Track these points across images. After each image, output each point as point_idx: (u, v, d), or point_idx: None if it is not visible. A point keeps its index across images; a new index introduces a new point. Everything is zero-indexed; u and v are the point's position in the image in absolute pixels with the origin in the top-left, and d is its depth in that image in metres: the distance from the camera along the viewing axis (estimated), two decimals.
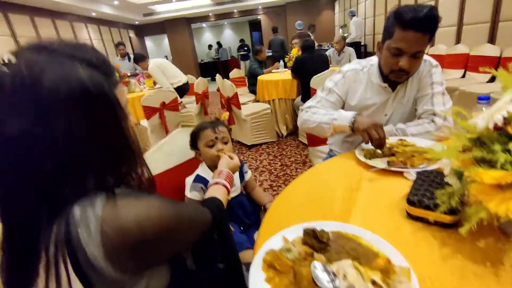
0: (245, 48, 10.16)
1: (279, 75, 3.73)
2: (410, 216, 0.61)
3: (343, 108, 1.17)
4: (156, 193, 0.60)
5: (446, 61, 3.80)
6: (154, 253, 0.46)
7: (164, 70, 3.63)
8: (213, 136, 1.01)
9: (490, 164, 0.45)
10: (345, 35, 6.79)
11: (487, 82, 3.03)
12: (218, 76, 3.85)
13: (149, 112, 3.03)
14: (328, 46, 7.81)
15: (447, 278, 0.47)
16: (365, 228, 0.57)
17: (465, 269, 0.48)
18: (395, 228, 0.60)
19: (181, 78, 3.78)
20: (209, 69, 11.68)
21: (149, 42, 11.84)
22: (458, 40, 3.66)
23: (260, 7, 9.40)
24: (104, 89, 0.45)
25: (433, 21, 0.89)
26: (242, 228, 1.09)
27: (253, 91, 4.35)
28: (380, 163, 0.85)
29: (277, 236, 0.58)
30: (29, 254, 0.43)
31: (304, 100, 3.03)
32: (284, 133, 3.53)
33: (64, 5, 5.42)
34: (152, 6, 8.23)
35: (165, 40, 11.65)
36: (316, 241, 0.53)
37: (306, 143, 3.05)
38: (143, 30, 10.06)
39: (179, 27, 9.69)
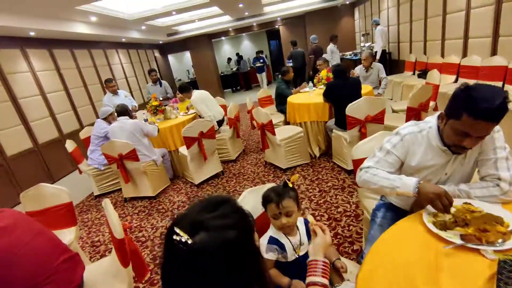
0: (261, 60, 10.00)
1: (309, 97, 3.79)
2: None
3: (401, 166, 1.23)
4: None
5: (481, 73, 3.71)
6: None
7: (206, 102, 3.82)
8: (277, 211, 1.11)
9: None
10: (369, 44, 6.74)
11: None
12: (248, 99, 3.98)
13: (189, 142, 3.20)
14: (350, 55, 7.77)
15: None
16: None
17: None
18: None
19: (219, 110, 3.97)
20: (229, 81, 11.95)
21: (171, 58, 12.31)
22: (494, 52, 3.56)
23: (279, 19, 9.52)
24: (244, 242, 0.57)
25: (505, 111, 0.92)
26: None
27: (281, 110, 4.43)
28: (454, 236, 0.91)
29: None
30: None
31: (338, 124, 3.08)
32: (317, 154, 3.59)
33: (98, 36, 5.81)
34: (176, 27, 8.58)
35: (186, 55, 12.07)
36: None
37: (343, 166, 3.10)
38: (166, 49, 10.48)
39: (201, 43, 10.00)
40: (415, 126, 1.20)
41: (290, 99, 3.92)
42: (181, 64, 13.26)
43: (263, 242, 1.16)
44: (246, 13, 8.34)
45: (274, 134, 3.24)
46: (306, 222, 1.26)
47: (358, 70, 4.27)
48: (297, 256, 1.16)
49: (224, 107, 4.45)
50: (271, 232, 1.18)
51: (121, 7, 5.45)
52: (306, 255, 1.18)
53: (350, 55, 7.93)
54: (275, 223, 1.14)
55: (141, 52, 8.62)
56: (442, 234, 0.93)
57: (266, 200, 1.16)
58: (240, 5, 6.87)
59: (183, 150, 3.48)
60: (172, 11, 6.02)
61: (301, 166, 3.42)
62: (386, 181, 1.13)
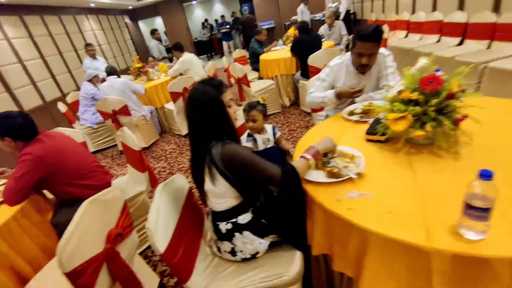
0: (227, 26, 9.37)
1: (279, 54, 4.25)
2: (367, 140, 1.28)
3: (332, 88, 1.82)
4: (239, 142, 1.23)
5: (424, 27, 4.32)
6: (240, 170, 1.04)
7: (191, 64, 4.16)
8: (247, 118, 1.70)
9: (393, 110, 1.10)
10: (336, 4, 7.13)
11: (457, 45, 3.59)
12: (225, 59, 4.37)
13: (174, 96, 3.62)
14: (320, 16, 8.13)
15: (378, 159, 1.14)
16: (347, 146, 1.23)
17: (388, 157, 1.15)
18: (361, 145, 1.26)
19: (203, 74, 4.32)
20: (204, 47, 11.90)
21: (142, 24, 11.93)
22: (434, 8, 4.14)
23: None
24: (217, 97, 1.08)
25: (377, 35, 1.50)
26: None
27: (255, 68, 4.87)
28: (356, 117, 1.50)
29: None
30: (201, 164, 1.08)
31: (303, 75, 3.60)
32: (288, 104, 4.14)
33: (66, 0, 5.72)
34: None
35: (157, 21, 11.74)
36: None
37: (308, 111, 3.68)
38: (137, 14, 10.18)
39: (172, 8, 9.82)
40: (340, 59, 1.77)
41: (263, 56, 4.36)
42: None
43: (243, 136, 1.73)
44: None
45: (249, 86, 3.72)
46: (273, 128, 1.83)
47: (322, 29, 4.73)
48: (265, 147, 1.75)
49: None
50: (248, 131, 1.75)
51: None
52: (272, 148, 1.77)
53: (319, 16, 8.27)
54: (247, 126, 1.70)
55: (111, 19, 8.41)
56: (350, 117, 1.52)
57: (243, 110, 1.71)
58: None
59: (169, 105, 3.90)
60: None
61: (274, 115, 3.98)
62: (320, 98, 1.72)
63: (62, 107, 3.84)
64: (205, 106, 1.06)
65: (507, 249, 0.67)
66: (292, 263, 1.09)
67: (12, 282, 1.27)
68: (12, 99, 4.46)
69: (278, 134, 1.84)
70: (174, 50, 4.30)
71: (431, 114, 1.01)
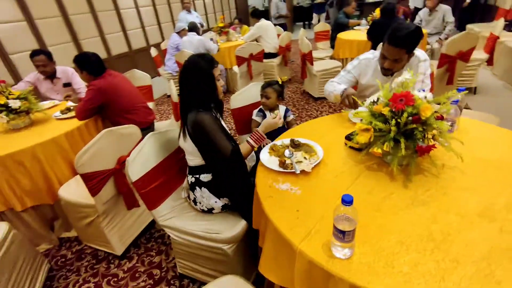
0: None
1: (358, 35, 3.92)
2: (346, 144, 1.26)
3: (356, 84, 1.71)
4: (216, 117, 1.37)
5: None
6: (201, 139, 1.22)
7: (265, 32, 4.28)
8: (262, 93, 1.79)
9: (361, 121, 1.07)
10: None
11: None
12: (302, 31, 4.28)
13: (240, 60, 3.85)
14: None
15: (337, 164, 1.14)
16: (322, 144, 1.26)
17: (348, 164, 1.14)
18: (339, 148, 1.26)
19: (276, 43, 4.37)
20: (303, 14, 11.48)
21: None
22: None
23: None
24: (208, 69, 1.23)
25: (407, 41, 1.32)
26: None
27: (333, 46, 4.63)
28: (357, 119, 1.45)
29: (279, 141, 1.33)
30: (183, 124, 1.29)
31: None
32: None
33: None
34: None
35: None
36: (293, 144, 1.26)
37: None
38: None
39: None
40: (371, 54, 1.63)
41: (341, 35, 4.09)
42: None
43: (254, 112, 1.87)
44: None
45: (312, 64, 3.64)
46: (287, 110, 1.89)
47: (421, 13, 4.05)
48: None
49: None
50: (262, 107, 1.87)
51: None
52: (279, 128, 1.86)
53: None
54: (261, 101, 1.81)
55: None
56: (352, 118, 1.47)
57: (262, 86, 1.82)
58: None
59: (235, 68, 4.18)
60: None
61: (321, 99, 3.83)
62: (332, 88, 1.66)
63: (153, 52, 4.56)
64: (197, 76, 1.24)
65: (352, 273, 0.70)
66: (232, 227, 1.27)
67: (43, 185, 1.81)
68: (124, 38, 5.49)
69: (291, 117, 1.90)
70: (252, 16, 4.43)
71: (391, 134, 0.96)
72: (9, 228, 1.43)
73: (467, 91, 1.25)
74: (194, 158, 1.31)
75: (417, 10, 5.77)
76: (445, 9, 3.82)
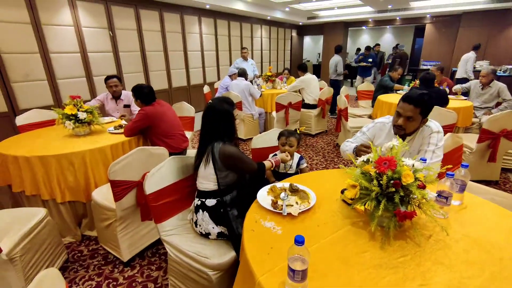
0: (370, 60, 7.28)
1: (398, 98, 3.95)
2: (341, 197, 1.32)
3: None
4: (238, 147, 1.56)
5: None
6: (233, 164, 1.44)
7: (307, 85, 4.61)
8: (284, 141, 1.92)
9: (351, 177, 1.14)
10: None
11: None
12: (343, 88, 4.48)
13: (279, 107, 4.13)
14: (505, 71, 6.58)
15: (323, 214, 1.20)
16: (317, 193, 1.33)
17: (335, 217, 1.19)
18: (333, 200, 1.32)
19: (316, 95, 4.65)
20: (353, 72, 11.85)
21: (308, 39, 13.24)
22: None
23: (429, 15, 8.67)
24: (230, 111, 1.46)
25: (421, 101, 1.45)
26: None
27: (374, 105, 4.70)
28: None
29: (281, 183, 1.43)
30: (203, 152, 1.48)
31: None
32: None
33: (249, 12, 7.28)
34: (316, 12, 9.29)
35: (321, 40, 12.65)
36: (291, 188, 1.36)
37: None
38: (304, 30, 11.39)
39: (336, 30, 10.36)
40: (387, 119, 1.71)
41: (381, 96, 4.18)
42: (316, 46, 13.98)
43: (270, 155, 2.01)
44: (390, 6, 8.10)
45: (346, 120, 3.74)
46: (301, 158, 2.00)
47: (472, 84, 3.97)
48: (284, 171, 1.95)
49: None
50: (278, 152, 2.00)
51: None
52: (291, 173, 1.95)
53: (502, 71, 6.66)
54: (281, 148, 1.95)
55: (280, 30, 9.88)
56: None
57: (281, 134, 1.98)
58: None
59: (273, 113, 4.46)
60: None
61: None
62: (345, 147, 1.75)
63: (206, 89, 5.13)
64: (220, 115, 1.47)
65: None
66: (222, 255, 1.36)
67: (82, 185, 2.11)
68: (186, 74, 6.30)
69: (304, 165, 1.99)
70: (298, 69, 4.80)
71: (373, 194, 1.01)
72: (46, 214, 1.71)
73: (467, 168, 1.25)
74: (206, 182, 1.48)
75: (465, 80, 5.64)
76: (501, 87, 3.69)
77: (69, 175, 2.01)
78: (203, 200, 1.49)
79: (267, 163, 1.70)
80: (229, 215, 1.41)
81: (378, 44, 8.33)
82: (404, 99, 1.51)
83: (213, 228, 1.45)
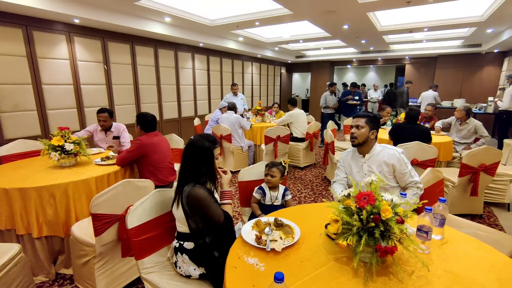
0: (357, 98, 6.75)
1: (383, 133, 4.12)
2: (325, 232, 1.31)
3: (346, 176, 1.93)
4: (210, 190, 1.51)
5: None
6: (198, 210, 1.36)
7: (296, 119, 4.77)
8: (267, 172, 1.96)
9: (334, 212, 1.16)
10: (492, 99, 6.02)
11: None
12: (330, 122, 4.64)
13: (267, 140, 4.21)
14: (480, 109, 7.00)
15: (308, 249, 1.19)
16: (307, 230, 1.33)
17: (319, 252, 1.18)
18: (317, 235, 1.31)
19: (304, 129, 4.80)
20: (339, 108, 12.32)
21: (296, 75, 13.89)
22: None
23: (407, 57, 9.36)
24: (211, 149, 1.47)
25: (365, 114, 1.80)
26: None
27: None
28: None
29: (265, 218, 1.43)
30: (178, 192, 1.45)
31: None
32: None
33: (241, 51, 7.69)
34: (304, 51, 9.90)
35: (309, 76, 13.32)
36: (276, 223, 1.35)
37: None
38: (292, 67, 12.01)
39: (322, 68, 10.97)
40: (350, 149, 1.95)
41: None
42: (304, 83, 14.64)
43: (255, 189, 2.01)
44: (372, 48, 8.73)
45: (333, 153, 3.83)
46: (286, 189, 2.01)
47: (452, 119, 4.18)
48: (270, 203, 1.95)
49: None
50: (263, 185, 2.01)
51: (261, 33, 7.08)
52: (277, 205, 1.95)
53: (477, 108, 7.08)
54: (265, 178, 1.98)
55: (270, 67, 10.39)
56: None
57: (266, 165, 2.02)
58: (363, 41, 7.42)
59: (262, 146, 4.53)
60: (300, 40, 7.25)
61: None
62: (335, 192, 1.84)
63: (196, 121, 5.22)
64: (200, 152, 1.45)
65: None
66: None
67: (62, 218, 2.03)
68: (177, 107, 6.42)
69: (289, 197, 2.00)
70: (288, 103, 4.98)
71: (354, 229, 1.02)
72: (20, 250, 1.62)
73: (445, 203, 1.29)
74: (182, 225, 1.42)
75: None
76: (477, 124, 3.89)
77: (49, 208, 1.95)
78: (181, 242, 1.43)
79: (227, 208, 1.49)
80: (209, 258, 1.37)
81: (364, 84, 8.83)
82: (354, 116, 1.89)
83: (194, 269, 1.39)
